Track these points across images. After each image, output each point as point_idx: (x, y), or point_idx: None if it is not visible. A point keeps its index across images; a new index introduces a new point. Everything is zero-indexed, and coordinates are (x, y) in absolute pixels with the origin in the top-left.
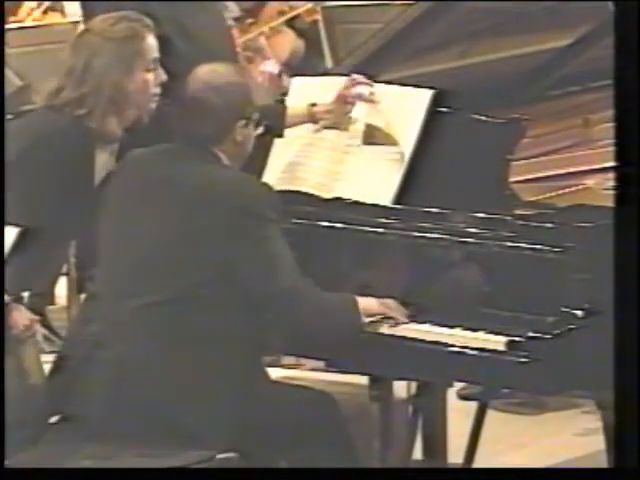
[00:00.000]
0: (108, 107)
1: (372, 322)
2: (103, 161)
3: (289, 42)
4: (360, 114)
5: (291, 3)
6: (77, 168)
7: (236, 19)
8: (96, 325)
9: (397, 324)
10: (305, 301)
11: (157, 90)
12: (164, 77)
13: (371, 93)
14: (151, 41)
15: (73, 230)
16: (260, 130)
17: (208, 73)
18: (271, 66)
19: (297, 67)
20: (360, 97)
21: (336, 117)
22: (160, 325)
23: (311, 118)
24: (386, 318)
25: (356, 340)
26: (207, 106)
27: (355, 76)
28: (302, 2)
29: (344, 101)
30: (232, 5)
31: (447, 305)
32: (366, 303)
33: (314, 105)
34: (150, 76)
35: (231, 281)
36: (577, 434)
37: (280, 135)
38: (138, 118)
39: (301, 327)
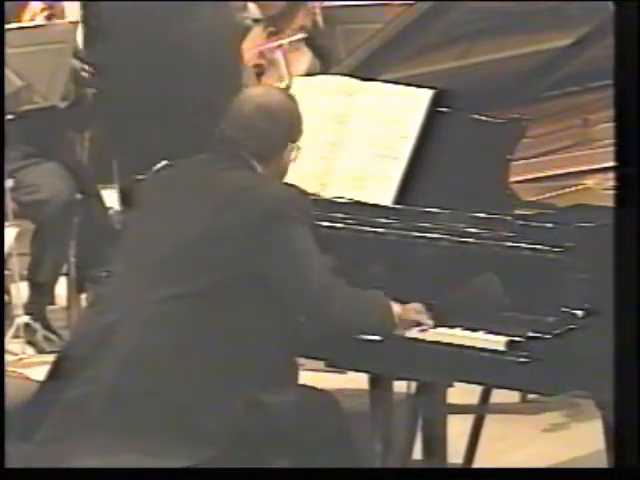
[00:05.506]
0: None
1: (403, 327)
2: None
3: (306, 61)
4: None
5: (315, 19)
6: None
7: (255, 20)
8: (112, 315)
9: (425, 330)
10: (337, 301)
11: None
12: None
13: None
14: None
15: None
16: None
17: (261, 96)
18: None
19: None
20: None
21: None
22: (179, 318)
23: None
24: (416, 323)
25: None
26: (259, 128)
27: None
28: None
29: None
30: (252, 7)
31: (447, 305)
32: (398, 308)
33: None
34: None
35: (257, 280)
36: (577, 434)
37: None
38: None
39: (332, 327)
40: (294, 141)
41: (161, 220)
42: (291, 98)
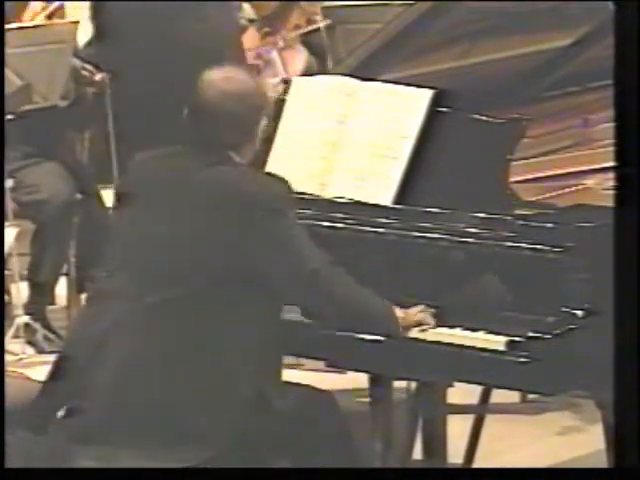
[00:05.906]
0: None
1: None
2: None
3: (302, 60)
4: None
5: (310, 17)
6: None
7: (250, 21)
8: (106, 322)
9: (425, 330)
10: (337, 283)
11: None
12: None
13: None
14: None
15: None
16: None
17: (224, 80)
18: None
19: None
20: None
21: None
22: (173, 322)
23: None
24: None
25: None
26: (230, 115)
27: None
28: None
29: None
30: (247, 7)
31: (447, 305)
32: (401, 313)
33: None
34: None
35: (256, 279)
36: (577, 434)
37: None
38: None
39: (333, 310)
40: (264, 116)
41: (148, 221)
42: (252, 75)
